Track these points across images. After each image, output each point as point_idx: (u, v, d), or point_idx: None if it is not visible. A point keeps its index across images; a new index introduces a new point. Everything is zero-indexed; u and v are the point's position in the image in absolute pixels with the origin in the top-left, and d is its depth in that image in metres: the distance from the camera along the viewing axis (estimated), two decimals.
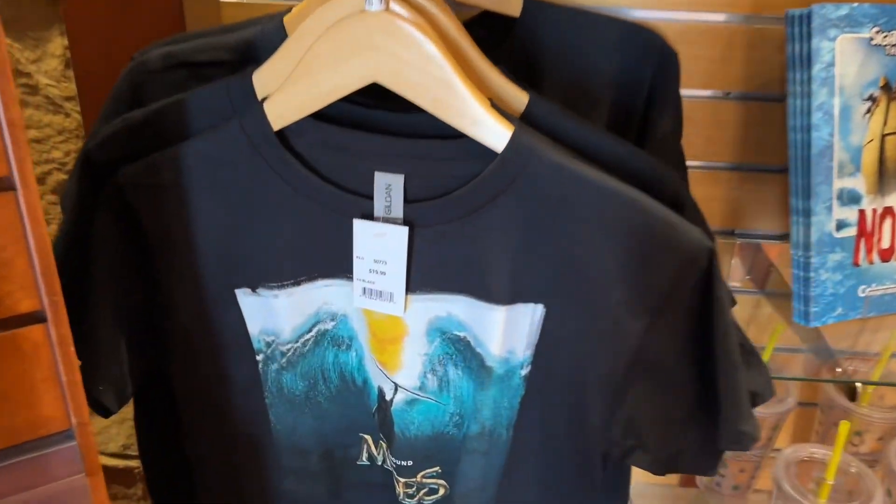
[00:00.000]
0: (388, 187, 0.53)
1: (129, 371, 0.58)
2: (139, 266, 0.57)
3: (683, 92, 0.67)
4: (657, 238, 0.51)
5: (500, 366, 0.57)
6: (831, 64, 0.68)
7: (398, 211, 0.53)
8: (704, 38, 0.78)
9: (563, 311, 0.54)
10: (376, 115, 0.54)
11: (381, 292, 0.55)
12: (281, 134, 0.53)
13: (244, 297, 0.58)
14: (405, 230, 0.53)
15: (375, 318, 0.57)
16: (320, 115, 0.52)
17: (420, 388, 0.59)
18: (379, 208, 0.53)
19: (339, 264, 0.56)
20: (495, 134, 0.50)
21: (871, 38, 0.70)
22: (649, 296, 0.53)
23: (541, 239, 0.52)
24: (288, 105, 0.52)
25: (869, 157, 0.72)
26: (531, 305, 0.54)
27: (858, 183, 0.72)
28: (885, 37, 0.70)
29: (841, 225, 0.71)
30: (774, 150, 0.81)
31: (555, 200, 0.51)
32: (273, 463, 0.64)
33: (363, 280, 0.55)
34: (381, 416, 0.61)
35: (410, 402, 0.60)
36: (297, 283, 0.57)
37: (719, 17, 0.77)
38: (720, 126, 0.82)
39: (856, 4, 0.68)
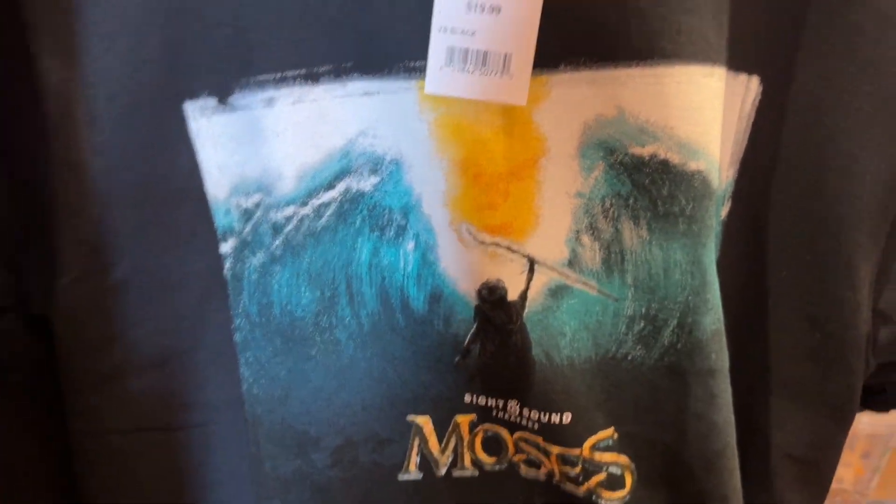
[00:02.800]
0: None
1: None
2: None
3: None
4: None
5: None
6: None
7: None
8: None
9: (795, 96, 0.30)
10: None
11: (485, 54, 0.28)
12: None
13: (202, 119, 0.29)
14: None
15: (471, 137, 0.29)
16: None
17: (569, 264, 0.30)
18: None
19: (395, 42, 0.28)
20: None
21: None
22: None
23: None
24: None
25: None
26: (742, 78, 0.30)
27: None
28: None
29: None
30: None
31: None
32: (241, 468, 0.33)
33: (450, 29, 0.27)
34: (483, 357, 0.31)
35: (556, 293, 0.31)
36: (314, 79, 0.29)
37: None
38: None
39: None
